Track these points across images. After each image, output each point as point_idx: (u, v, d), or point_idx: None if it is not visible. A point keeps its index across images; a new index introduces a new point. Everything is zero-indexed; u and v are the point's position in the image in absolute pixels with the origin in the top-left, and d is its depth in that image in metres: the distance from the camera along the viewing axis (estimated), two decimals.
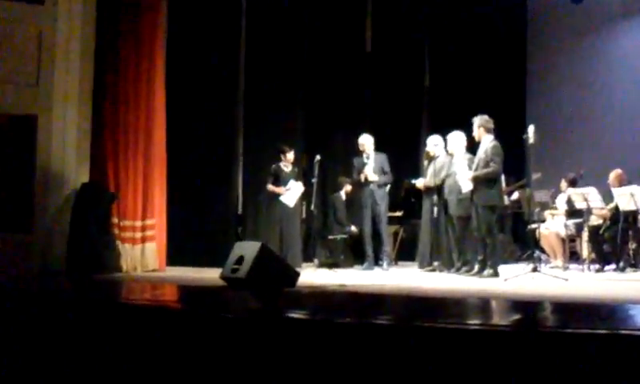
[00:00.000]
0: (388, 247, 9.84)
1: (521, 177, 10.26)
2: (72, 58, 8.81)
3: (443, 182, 8.97)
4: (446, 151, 9.15)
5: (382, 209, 9.68)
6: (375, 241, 9.78)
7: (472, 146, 8.60)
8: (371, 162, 9.72)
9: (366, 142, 9.84)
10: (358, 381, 3.50)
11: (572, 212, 9.80)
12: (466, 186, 8.24)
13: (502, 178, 11.08)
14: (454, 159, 8.83)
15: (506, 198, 10.67)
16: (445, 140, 9.16)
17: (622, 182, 9.17)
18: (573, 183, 9.97)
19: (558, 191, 10.22)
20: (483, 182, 8.08)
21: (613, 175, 9.38)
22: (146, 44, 9.30)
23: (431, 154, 9.41)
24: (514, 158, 10.28)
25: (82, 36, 8.90)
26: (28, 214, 8.51)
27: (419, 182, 9.53)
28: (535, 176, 9.50)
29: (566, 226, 9.76)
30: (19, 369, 4.55)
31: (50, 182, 8.61)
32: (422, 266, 9.56)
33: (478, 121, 8.28)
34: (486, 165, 8.07)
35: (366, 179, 9.66)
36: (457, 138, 8.82)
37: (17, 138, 8.65)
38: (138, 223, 9.14)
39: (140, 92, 9.22)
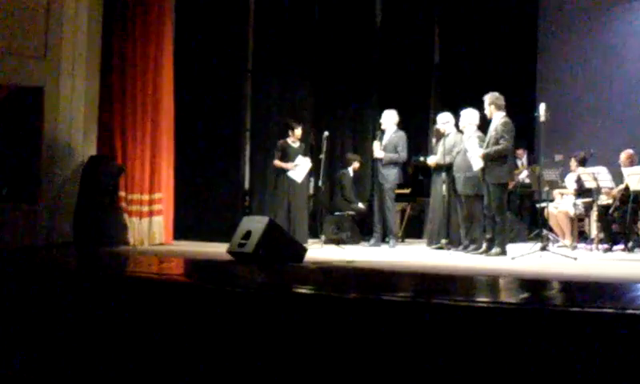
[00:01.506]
0: (392, 225, 9.76)
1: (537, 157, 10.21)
2: (80, 29, 8.79)
3: (454, 159, 8.91)
4: (457, 128, 9.08)
5: (386, 186, 9.60)
6: (383, 218, 9.76)
7: (484, 125, 8.53)
8: (385, 138, 9.66)
9: (385, 117, 9.78)
10: (364, 356, 3.49)
11: (581, 191, 9.75)
12: (477, 164, 8.18)
13: (525, 158, 11.13)
14: (464, 137, 8.77)
15: (518, 177, 10.66)
16: (456, 117, 9.09)
17: (633, 162, 9.12)
18: (582, 162, 9.91)
19: (568, 170, 10.16)
20: (494, 160, 8.02)
21: (624, 155, 9.32)
22: (155, 16, 9.28)
23: (441, 131, 9.35)
24: (524, 136, 10.27)
25: (89, 7, 8.88)
26: (35, 186, 8.52)
27: (431, 160, 9.45)
28: (558, 157, 9.46)
29: (574, 205, 9.71)
30: (23, 341, 4.56)
31: (57, 153, 8.61)
32: (430, 244, 9.53)
33: (488, 98, 8.22)
34: (497, 142, 8.01)
35: (373, 155, 9.65)
36: (469, 115, 8.74)
37: (24, 110, 8.64)
38: (146, 197, 9.15)
39: (148, 65, 9.20)
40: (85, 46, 8.81)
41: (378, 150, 9.60)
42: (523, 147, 11.25)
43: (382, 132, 9.77)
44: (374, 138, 9.85)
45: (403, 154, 9.70)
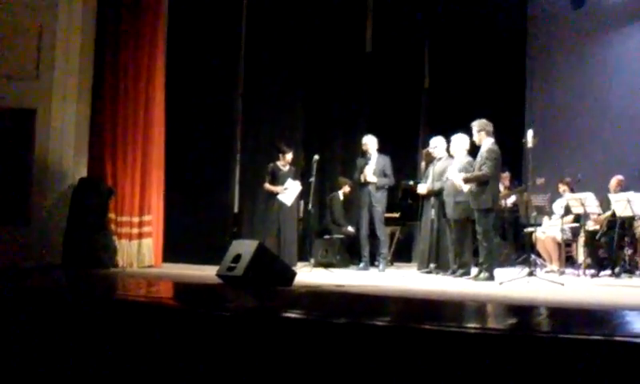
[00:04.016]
0: (385, 249, 9.82)
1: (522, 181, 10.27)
2: (72, 52, 8.81)
3: (443, 184, 8.95)
4: (448, 153, 9.14)
5: (379, 211, 9.66)
6: (372, 242, 9.79)
7: (474, 150, 8.59)
8: (372, 163, 9.71)
9: (369, 142, 9.84)
10: (352, 381, 3.50)
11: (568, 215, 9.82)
12: (459, 182, 8.26)
13: (507, 182, 11.18)
14: (454, 161, 8.82)
15: (504, 201, 10.70)
16: (447, 142, 9.15)
17: (622, 188, 9.21)
18: (572, 187, 9.99)
19: (557, 195, 10.22)
20: (477, 185, 8.08)
21: (614, 181, 9.43)
22: (146, 41, 9.31)
23: (432, 154, 9.40)
24: (512, 162, 10.32)
25: (82, 31, 8.90)
26: (25, 208, 8.51)
27: (421, 189, 9.48)
28: (539, 181, 9.52)
29: (562, 230, 9.77)
30: (13, 363, 4.54)
31: (48, 176, 8.61)
32: (421, 268, 9.54)
33: (477, 125, 8.26)
34: (480, 168, 8.07)
35: (364, 180, 9.66)
36: (459, 140, 8.80)
37: (15, 132, 8.64)
38: (135, 219, 9.15)
39: (139, 88, 9.23)
40: (77, 69, 8.83)
41: (370, 175, 9.64)
42: (507, 171, 11.31)
43: (366, 157, 9.81)
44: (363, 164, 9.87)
45: (392, 178, 9.78)
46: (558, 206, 10.04)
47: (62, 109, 8.72)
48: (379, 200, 9.68)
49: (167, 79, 9.56)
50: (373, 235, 9.76)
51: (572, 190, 9.95)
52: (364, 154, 9.87)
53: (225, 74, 10.55)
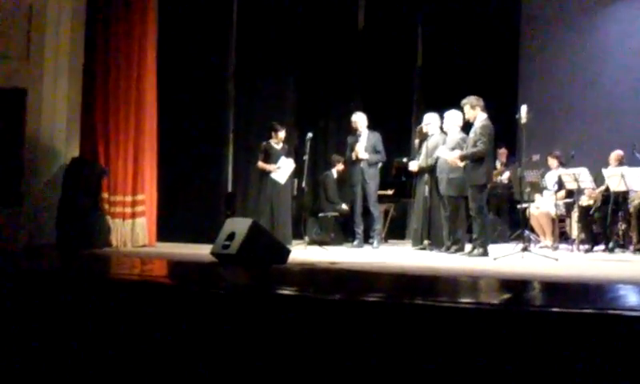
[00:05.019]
0: (379, 225, 9.84)
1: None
2: (62, 31, 8.74)
3: (436, 161, 8.95)
4: (441, 129, 9.13)
5: (371, 187, 9.66)
6: (366, 219, 9.79)
7: (467, 127, 8.58)
8: (363, 140, 9.70)
9: (359, 119, 9.83)
10: (347, 358, 3.51)
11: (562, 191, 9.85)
12: (447, 155, 8.26)
13: (505, 158, 11.21)
14: (447, 138, 8.82)
15: (499, 178, 10.74)
16: (441, 118, 9.14)
17: (622, 163, 9.24)
18: (561, 161, 10.02)
19: (547, 169, 10.23)
20: (472, 162, 8.08)
21: (614, 155, 9.46)
22: (138, 18, 9.24)
23: (424, 131, 9.39)
24: (506, 138, 10.32)
25: (72, 10, 8.83)
26: (17, 189, 8.47)
27: (413, 166, 9.49)
28: (535, 157, 9.53)
29: (556, 205, 9.79)
30: (5, 346, 4.54)
31: (40, 156, 8.57)
32: (415, 245, 9.57)
33: (469, 101, 8.25)
34: (475, 144, 8.07)
35: (356, 157, 9.64)
36: (453, 116, 8.79)
37: (6, 112, 8.59)
38: (129, 198, 9.12)
39: (131, 67, 9.17)
40: (68, 48, 8.77)
41: (362, 152, 9.63)
42: (504, 147, 11.33)
43: (357, 135, 9.79)
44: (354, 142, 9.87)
45: (384, 154, 9.77)
46: (550, 181, 10.05)
47: (53, 88, 8.66)
48: (372, 176, 9.67)
49: (159, 58, 9.51)
50: (366, 212, 9.76)
51: (562, 164, 9.98)
52: (354, 132, 9.85)
53: (217, 53, 10.49)
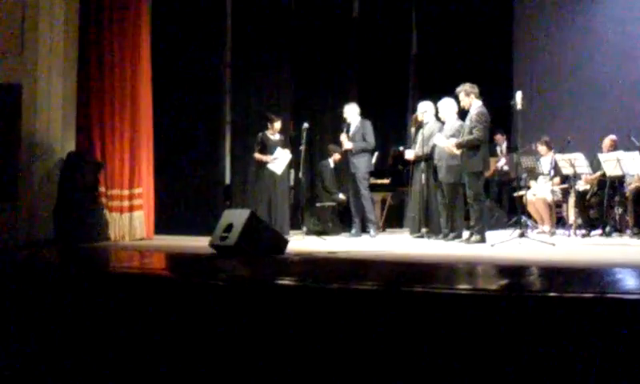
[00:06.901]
0: (371, 214, 9.77)
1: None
2: (56, 26, 8.70)
3: (432, 148, 8.95)
4: (437, 118, 9.13)
5: (358, 176, 9.62)
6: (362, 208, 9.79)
7: (463, 114, 8.58)
8: (352, 129, 9.71)
9: (348, 110, 9.85)
10: (347, 346, 3.52)
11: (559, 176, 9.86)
12: (444, 143, 8.27)
13: (504, 145, 11.23)
14: (445, 125, 8.81)
15: (498, 165, 10.75)
16: (435, 106, 9.14)
17: (615, 148, 9.24)
18: (550, 146, 10.02)
19: (538, 155, 10.22)
20: (468, 149, 8.09)
21: (607, 141, 9.45)
22: (132, 10, 9.24)
23: (420, 119, 9.38)
24: (502, 125, 10.33)
25: (66, 3, 8.79)
26: (13, 183, 8.45)
27: (409, 154, 9.47)
28: (535, 146, 9.54)
29: (552, 191, 9.81)
30: (5, 339, 4.55)
31: (36, 150, 8.54)
32: (412, 233, 9.57)
33: (463, 89, 8.24)
34: (471, 131, 8.07)
35: (343, 148, 9.71)
36: (449, 104, 8.78)
37: (1, 107, 8.56)
38: (126, 192, 9.13)
39: (126, 59, 9.17)
40: (62, 42, 8.73)
41: (346, 142, 9.65)
42: (501, 133, 11.33)
43: (347, 124, 9.80)
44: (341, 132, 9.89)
45: (371, 141, 9.72)
46: (544, 167, 10.05)
47: (48, 83, 8.64)
48: (357, 165, 9.64)
49: (154, 50, 9.50)
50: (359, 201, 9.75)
51: (550, 149, 9.97)
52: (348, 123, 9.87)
53: (212, 45, 10.49)
